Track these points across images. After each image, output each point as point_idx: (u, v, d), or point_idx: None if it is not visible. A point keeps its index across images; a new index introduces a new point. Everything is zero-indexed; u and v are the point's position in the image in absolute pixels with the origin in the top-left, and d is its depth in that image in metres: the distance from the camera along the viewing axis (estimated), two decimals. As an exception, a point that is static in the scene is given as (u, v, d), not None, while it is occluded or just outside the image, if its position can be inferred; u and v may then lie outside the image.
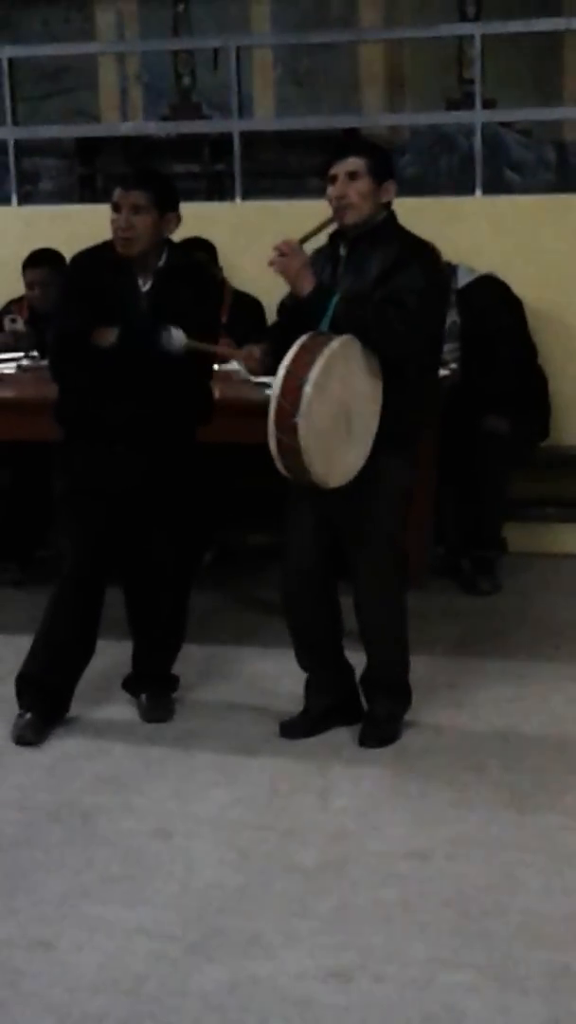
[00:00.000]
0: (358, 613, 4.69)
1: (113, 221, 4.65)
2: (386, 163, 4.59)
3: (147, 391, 4.63)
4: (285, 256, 4.36)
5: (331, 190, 4.49)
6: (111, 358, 4.61)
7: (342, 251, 4.53)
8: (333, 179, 4.48)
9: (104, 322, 4.62)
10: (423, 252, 4.55)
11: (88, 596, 4.80)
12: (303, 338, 4.28)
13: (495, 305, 6.59)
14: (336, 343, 4.26)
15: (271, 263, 4.38)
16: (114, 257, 4.68)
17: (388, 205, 4.55)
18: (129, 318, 4.64)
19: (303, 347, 4.25)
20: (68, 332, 4.75)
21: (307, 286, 4.36)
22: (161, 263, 4.69)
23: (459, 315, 6.44)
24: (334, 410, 4.29)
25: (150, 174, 4.88)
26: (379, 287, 4.40)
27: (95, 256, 4.75)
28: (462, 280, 6.53)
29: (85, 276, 4.76)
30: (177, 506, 4.82)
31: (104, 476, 4.72)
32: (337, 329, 4.32)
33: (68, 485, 4.80)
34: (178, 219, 4.70)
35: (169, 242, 4.74)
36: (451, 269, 6.52)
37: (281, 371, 4.23)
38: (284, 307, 4.71)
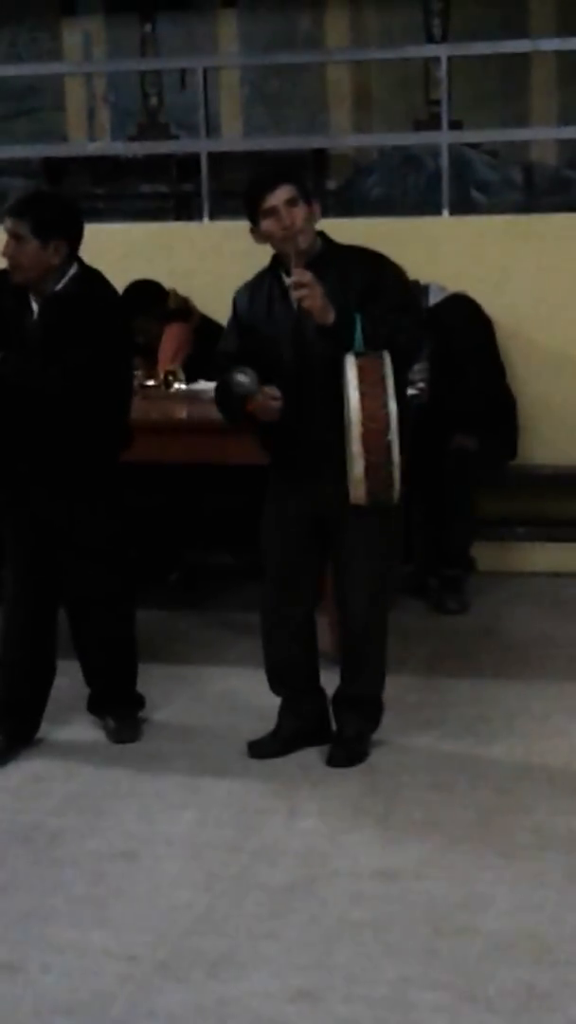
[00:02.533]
0: (347, 635, 4.68)
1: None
2: (308, 185, 4.55)
3: (39, 419, 4.56)
4: (306, 287, 4.26)
5: (272, 223, 4.37)
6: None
7: (288, 281, 4.38)
8: (270, 211, 4.37)
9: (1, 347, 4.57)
10: (380, 254, 4.55)
11: (35, 616, 4.79)
12: (353, 359, 4.22)
13: (465, 324, 6.60)
14: (387, 357, 4.25)
15: (299, 297, 4.27)
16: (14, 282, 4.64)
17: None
18: (12, 344, 4.58)
19: (362, 368, 4.21)
20: None
21: (332, 313, 4.28)
22: (58, 288, 4.59)
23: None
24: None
25: (32, 202, 4.62)
26: (368, 300, 4.33)
27: (2, 279, 4.66)
28: (433, 299, 6.55)
29: None
30: (103, 536, 4.75)
31: (26, 500, 4.69)
32: (371, 346, 4.27)
33: (2, 503, 4.78)
34: (70, 245, 4.56)
35: (81, 266, 4.63)
36: (423, 289, 6.54)
37: (355, 394, 4.19)
38: (227, 356, 4.56)
